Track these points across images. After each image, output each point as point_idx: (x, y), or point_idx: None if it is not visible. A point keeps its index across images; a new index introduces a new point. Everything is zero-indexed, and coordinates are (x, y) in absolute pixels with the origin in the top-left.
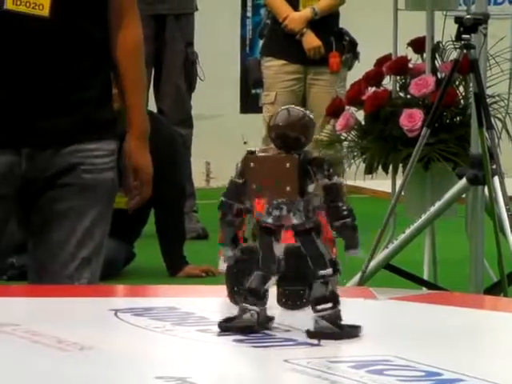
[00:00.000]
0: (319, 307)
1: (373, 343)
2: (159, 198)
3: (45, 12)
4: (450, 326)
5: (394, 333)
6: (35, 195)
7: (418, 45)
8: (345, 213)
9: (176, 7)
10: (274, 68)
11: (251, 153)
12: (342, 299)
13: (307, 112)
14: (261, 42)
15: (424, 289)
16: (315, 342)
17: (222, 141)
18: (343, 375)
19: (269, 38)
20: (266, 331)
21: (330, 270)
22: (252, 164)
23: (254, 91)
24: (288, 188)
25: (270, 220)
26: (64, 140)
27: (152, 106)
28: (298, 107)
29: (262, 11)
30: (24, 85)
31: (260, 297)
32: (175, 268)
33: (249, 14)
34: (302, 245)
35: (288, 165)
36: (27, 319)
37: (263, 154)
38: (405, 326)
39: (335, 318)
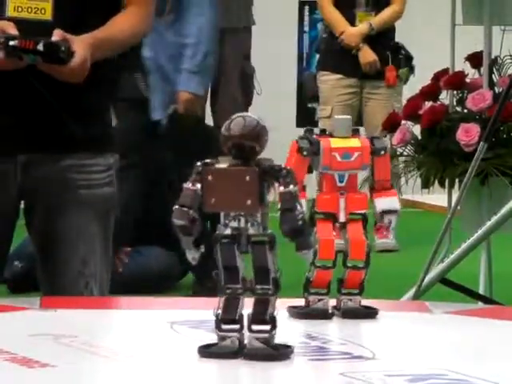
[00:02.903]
0: (255, 328)
1: (428, 357)
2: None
3: (47, 16)
4: (506, 340)
5: (449, 347)
6: (34, 210)
7: (475, 59)
8: (298, 222)
9: (234, 21)
10: (330, 82)
11: (206, 164)
12: (397, 313)
13: (260, 120)
14: (317, 57)
15: (480, 303)
16: (371, 355)
17: (279, 155)
18: None
19: (325, 52)
20: (322, 344)
21: (271, 288)
22: (210, 177)
23: (310, 105)
24: (249, 202)
25: (228, 231)
26: (58, 150)
27: (209, 120)
28: (250, 114)
29: (319, 25)
30: (22, 91)
31: (235, 322)
32: (204, 283)
33: (306, 28)
34: (252, 255)
35: (248, 178)
36: (85, 331)
37: (221, 167)
38: (460, 340)
39: (270, 340)
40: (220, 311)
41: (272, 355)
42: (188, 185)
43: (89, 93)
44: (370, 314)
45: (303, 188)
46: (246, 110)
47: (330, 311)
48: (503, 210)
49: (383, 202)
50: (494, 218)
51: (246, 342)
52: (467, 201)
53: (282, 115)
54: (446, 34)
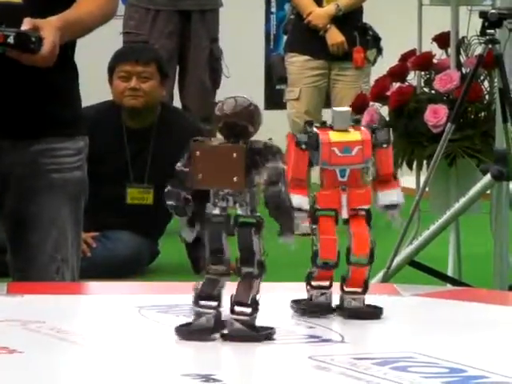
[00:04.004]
0: (238, 309)
1: (397, 340)
2: None
3: None
4: (474, 322)
5: (417, 329)
6: (5, 196)
7: (442, 40)
8: (282, 196)
9: (201, 3)
10: (297, 64)
11: (196, 141)
12: (366, 296)
13: (253, 101)
14: (285, 38)
15: (448, 285)
16: (339, 338)
17: None
18: (367, 372)
19: (293, 33)
20: (290, 328)
21: (255, 270)
22: (198, 153)
23: (278, 87)
24: (235, 178)
25: (216, 211)
26: (29, 135)
27: (176, 103)
28: (243, 95)
29: (287, 6)
30: None
31: (214, 300)
32: (200, 265)
33: (273, 9)
34: (238, 237)
35: (235, 155)
36: (52, 316)
37: (210, 144)
38: (429, 322)
39: (250, 322)
40: (199, 287)
41: (252, 337)
42: (180, 166)
43: (56, 76)
44: (374, 313)
45: (305, 184)
46: (214, 93)
47: (333, 305)
48: (471, 192)
49: (386, 197)
50: (463, 200)
51: (226, 322)
52: (435, 182)
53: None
54: (413, 14)
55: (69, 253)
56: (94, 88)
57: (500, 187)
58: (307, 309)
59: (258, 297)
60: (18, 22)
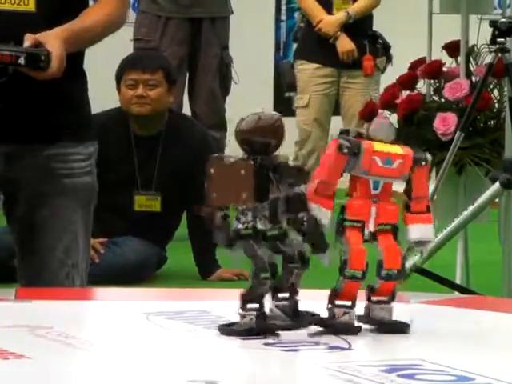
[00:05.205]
0: (277, 295)
1: (404, 347)
2: (191, 200)
3: (30, 7)
4: (482, 330)
5: (425, 337)
6: (16, 200)
7: (452, 48)
8: (304, 224)
9: (212, 11)
10: (307, 71)
11: (215, 158)
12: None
13: (277, 116)
14: (295, 46)
15: (456, 293)
16: (346, 345)
17: None
18: (374, 379)
19: (302, 41)
20: (296, 336)
21: (297, 265)
22: (212, 170)
23: (287, 94)
24: (244, 195)
25: (240, 226)
26: (42, 140)
27: (186, 109)
28: (268, 111)
29: (296, 14)
30: (3, 84)
31: (256, 302)
32: (207, 271)
33: (283, 17)
34: (269, 249)
35: (243, 172)
36: (60, 322)
37: (222, 161)
38: (436, 330)
39: (290, 307)
40: (245, 296)
41: (291, 324)
42: None
43: (66, 83)
44: (403, 328)
45: (332, 191)
46: (224, 100)
47: (356, 325)
48: (480, 200)
49: (417, 231)
50: (471, 208)
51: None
52: (444, 190)
53: (260, 104)
54: (423, 22)
55: (79, 258)
56: (105, 94)
57: (509, 195)
58: (332, 328)
59: (296, 283)
60: (31, 30)
